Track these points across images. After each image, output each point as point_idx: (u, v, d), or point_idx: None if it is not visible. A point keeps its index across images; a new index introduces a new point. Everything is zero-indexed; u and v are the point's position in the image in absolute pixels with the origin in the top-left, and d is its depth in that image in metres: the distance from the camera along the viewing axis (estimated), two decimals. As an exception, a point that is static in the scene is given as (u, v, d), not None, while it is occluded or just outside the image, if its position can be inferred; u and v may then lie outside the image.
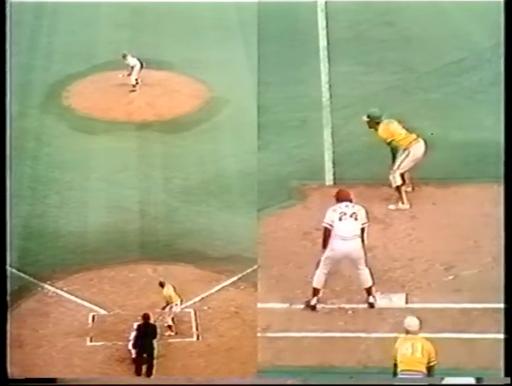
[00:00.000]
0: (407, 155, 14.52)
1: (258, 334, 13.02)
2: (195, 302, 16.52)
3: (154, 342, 14.94)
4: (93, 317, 16.17)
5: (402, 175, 14.56)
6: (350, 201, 12.91)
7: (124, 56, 23.65)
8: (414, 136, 14.54)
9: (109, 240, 18.33)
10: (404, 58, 14.35)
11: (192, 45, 26.56)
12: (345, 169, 13.52)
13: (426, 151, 14.25)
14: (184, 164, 21.08)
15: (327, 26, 14.76)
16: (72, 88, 24.45)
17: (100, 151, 21.65)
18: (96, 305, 16.44)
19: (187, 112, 23.38)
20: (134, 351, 14.89)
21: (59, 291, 16.83)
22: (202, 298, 16.65)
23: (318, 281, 13.07)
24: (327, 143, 13.85)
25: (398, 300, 12.86)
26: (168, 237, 18.45)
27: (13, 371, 14.15)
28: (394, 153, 14.66)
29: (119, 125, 22.64)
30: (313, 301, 13.18)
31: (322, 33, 14.29)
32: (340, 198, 13.01)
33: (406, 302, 12.83)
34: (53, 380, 14.40)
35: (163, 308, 15.73)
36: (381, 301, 12.91)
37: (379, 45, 15.03)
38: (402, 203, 14.34)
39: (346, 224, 12.80)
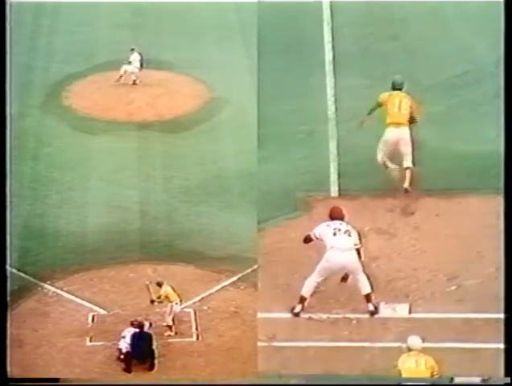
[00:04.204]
0: (383, 136, 14.47)
1: (264, 344, 13.12)
2: (194, 302, 16.52)
3: (154, 346, 14.95)
4: (93, 317, 16.18)
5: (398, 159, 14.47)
6: (343, 219, 12.99)
7: (132, 50, 23.56)
8: (402, 119, 14.22)
9: (109, 239, 18.33)
10: (408, 71, 14.41)
11: (191, 45, 26.56)
12: (350, 180, 13.58)
13: (400, 141, 14.19)
14: (184, 164, 21.08)
15: (332, 39, 14.90)
16: (72, 88, 24.46)
17: (100, 151, 21.66)
18: (96, 305, 16.44)
19: (187, 112, 23.39)
20: (123, 350, 14.93)
21: (59, 291, 16.84)
22: (202, 298, 16.66)
23: (307, 289, 13.11)
24: (332, 155, 13.93)
25: (401, 310, 12.96)
26: (168, 237, 18.45)
27: (13, 370, 14.16)
28: None
29: (119, 125, 22.64)
30: (297, 309, 13.20)
31: (328, 47, 14.42)
32: (334, 215, 13.07)
33: (410, 312, 12.91)
34: (55, 380, 14.40)
35: (152, 301, 15.63)
36: (385, 311, 12.98)
37: (384, 58, 15.09)
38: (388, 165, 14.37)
39: (341, 238, 12.95)
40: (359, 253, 12.87)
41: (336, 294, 13.03)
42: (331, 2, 15.60)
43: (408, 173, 14.26)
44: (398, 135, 14.25)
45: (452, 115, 14.61)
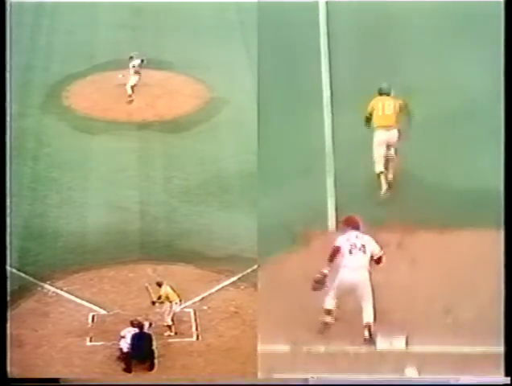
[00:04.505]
0: (374, 138, 14.58)
1: (263, 377, 13.16)
2: (194, 302, 16.53)
3: (153, 347, 14.96)
4: (93, 317, 16.18)
5: (385, 162, 14.58)
6: (358, 229, 13.01)
7: (131, 58, 23.44)
8: (389, 120, 14.40)
9: (109, 240, 18.34)
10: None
11: (191, 45, 26.58)
12: (347, 215, 13.59)
13: (390, 139, 14.33)
14: (184, 164, 21.09)
15: (330, 80, 14.89)
16: (72, 88, 24.46)
17: (100, 151, 21.67)
18: (95, 305, 16.44)
19: (187, 112, 23.40)
20: (124, 350, 14.96)
21: (58, 291, 16.85)
22: (202, 298, 16.66)
23: (329, 303, 13.12)
24: (329, 190, 14.01)
25: (398, 342, 12.96)
26: (168, 237, 18.45)
27: (13, 370, 14.16)
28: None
29: (119, 125, 22.65)
30: (327, 319, 13.15)
31: (325, 87, 14.51)
32: (351, 224, 13.11)
33: (407, 345, 12.94)
34: (55, 380, 14.40)
35: (153, 303, 15.66)
36: (381, 344, 12.99)
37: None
38: (380, 190, 14.40)
39: (355, 258, 13.01)
40: (380, 260, 12.94)
41: (333, 327, 13.04)
42: (328, 36, 16.08)
43: (392, 172, 14.50)
44: (387, 137, 14.46)
45: (448, 150, 14.61)
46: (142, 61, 23.35)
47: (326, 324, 13.17)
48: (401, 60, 15.16)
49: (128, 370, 14.85)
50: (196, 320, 16.13)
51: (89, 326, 15.97)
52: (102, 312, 16.26)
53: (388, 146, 14.58)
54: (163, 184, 20.35)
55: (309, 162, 14.61)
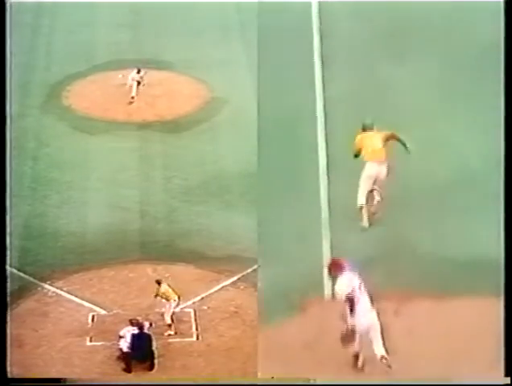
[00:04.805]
0: (363, 171, 14.69)
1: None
2: (194, 302, 16.52)
3: (153, 347, 14.96)
4: (93, 317, 16.17)
5: (369, 194, 14.66)
6: (346, 269, 12.74)
7: (138, 71, 23.34)
8: (380, 155, 14.51)
9: (109, 239, 18.33)
10: (400, 175, 14.39)
11: (191, 45, 26.60)
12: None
13: (380, 173, 14.49)
14: (184, 164, 21.08)
15: (327, 146, 14.86)
16: (72, 88, 24.46)
17: (100, 151, 21.66)
18: (95, 305, 16.43)
19: (187, 112, 23.40)
20: (124, 349, 14.97)
21: (58, 291, 16.84)
22: (202, 298, 16.66)
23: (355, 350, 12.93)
24: (325, 257, 14.08)
25: None
26: (168, 237, 18.45)
27: (13, 370, 14.15)
28: None
29: (119, 125, 22.64)
30: (359, 364, 12.95)
31: (321, 153, 14.66)
32: (338, 269, 12.66)
33: None
34: (55, 380, 14.40)
35: (157, 296, 15.69)
36: None
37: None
38: (362, 222, 14.58)
39: (360, 304, 12.59)
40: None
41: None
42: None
43: (376, 205, 14.62)
44: (377, 171, 14.58)
45: (444, 218, 14.55)
46: (139, 71, 23.30)
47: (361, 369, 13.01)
48: (399, 124, 15.07)
49: (128, 370, 14.84)
50: (196, 320, 16.12)
51: (89, 326, 15.95)
52: (102, 312, 16.25)
53: (376, 181, 14.65)
54: (163, 184, 20.35)
55: (305, 229, 14.63)
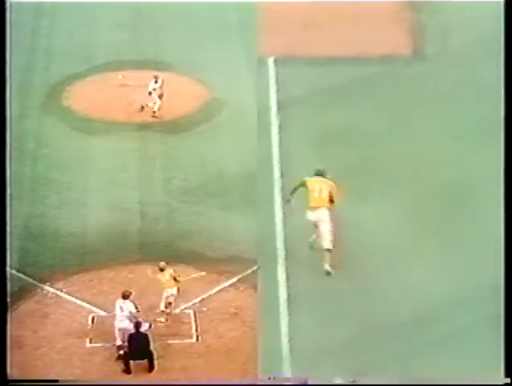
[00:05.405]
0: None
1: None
2: (194, 303, 16.51)
3: (151, 347, 14.95)
4: (93, 318, 16.16)
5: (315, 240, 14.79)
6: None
7: (156, 81, 23.13)
8: (321, 203, 14.61)
9: (109, 240, 18.31)
10: (363, 311, 14.10)
11: (191, 46, 26.56)
12: None
13: (319, 221, 14.55)
14: (184, 165, 21.06)
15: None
16: (72, 89, 24.44)
17: (100, 152, 21.64)
18: (95, 306, 16.42)
19: (187, 112, 23.37)
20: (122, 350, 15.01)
21: (58, 292, 16.82)
22: (202, 299, 16.64)
23: None
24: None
25: None
26: (168, 238, 18.43)
27: (13, 372, 14.14)
28: None
29: (119, 126, 22.62)
30: None
31: (282, 285, 14.48)
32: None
33: None
34: (55, 381, 14.39)
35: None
36: None
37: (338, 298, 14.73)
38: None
39: None
40: None
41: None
42: None
43: (328, 254, 14.64)
44: (317, 216, 14.74)
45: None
46: (156, 81, 22.96)
47: None
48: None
49: (128, 371, 14.83)
50: (195, 321, 16.11)
51: (89, 327, 15.94)
52: (102, 313, 16.23)
53: (316, 224, 14.78)
54: (163, 185, 20.33)
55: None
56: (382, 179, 16.08)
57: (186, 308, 16.37)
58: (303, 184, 14.97)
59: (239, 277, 17.13)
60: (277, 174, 16.29)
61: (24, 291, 16.75)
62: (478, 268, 14.46)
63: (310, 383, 13.24)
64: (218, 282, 17.08)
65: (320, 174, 15.09)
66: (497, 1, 17.70)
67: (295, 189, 15.00)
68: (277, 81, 18.23)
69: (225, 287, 17.03)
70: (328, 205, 14.80)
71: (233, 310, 16.42)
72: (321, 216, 14.80)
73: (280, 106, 17.58)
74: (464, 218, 15.34)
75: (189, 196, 19.89)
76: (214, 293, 16.85)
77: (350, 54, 18.76)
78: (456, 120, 17.27)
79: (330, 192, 14.82)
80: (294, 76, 18.10)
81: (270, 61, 18.69)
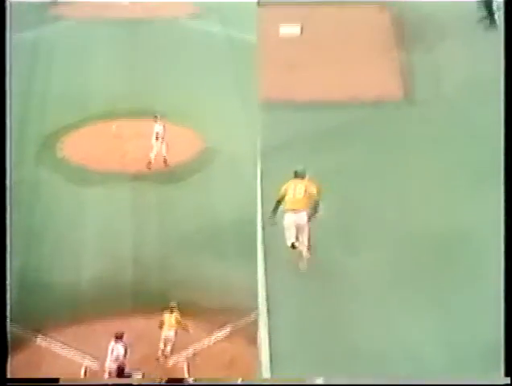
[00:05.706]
0: (283, 221, 14.63)
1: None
2: (188, 354, 16.41)
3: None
4: (85, 369, 16.02)
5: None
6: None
7: (155, 118, 23.34)
8: (298, 205, 14.44)
9: (102, 290, 18.20)
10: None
11: (185, 94, 26.76)
12: None
13: (295, 222, 14.44)
14: (178, 214, 21.06)
15: None
16: (66, 140, 24.53)
17: (94, 202, 21.62)
18: (88, 356, 16.28)
19: (180, 162, 23.44)
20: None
21: (51, 343, 16.70)
22: (195, 350, 16.54)
23: None
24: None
25: None
26: (162, 287, 18.33)
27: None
28: None
29: (113, 176, 22.65)
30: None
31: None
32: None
33: None
34: (56, 380, 14.23)
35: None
36: None
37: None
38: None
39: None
40: None
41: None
42: None
43: (305, 253, 14.55)
44: (295, 219, 14.49)
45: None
46: (156, 117, 23.14)
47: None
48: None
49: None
50: (188, 371, 16.00)
51: (82, 378, 15.80)
52: (95, 365, 16.10)
53: (298, 228, 14.62)
54: (157, 235, 20.29)
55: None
56: (370, 226, 15.57)
57: (179, 358, 16.26)
58: (283, 194, 14.61)
59: (235, 327, 17.01)
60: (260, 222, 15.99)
61: (17, 342, 16.60)
62: (475, 329, 13.45)
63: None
64: (213, 332, 16.98)
65: (298, 175, 14.78)
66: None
67: (278, 202, 14.61)
68: (264, 127, 18.13)
69: (220, 337, 16.93)
70: (306, 207, 14.43)
71: (228, 359, 16.28)
72: (298, 220, 14.43)
73: (265, 152, 17.43)
74: (458, 272, 14.40)
75: (183, 246, 19.82)
76: (209, 344, 16.74)
77: (339, 97, 18.67)
78: (450, 164, 16.76)
79: (306, 192, 14.47)
80: (281, 121, 18.03)
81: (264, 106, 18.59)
